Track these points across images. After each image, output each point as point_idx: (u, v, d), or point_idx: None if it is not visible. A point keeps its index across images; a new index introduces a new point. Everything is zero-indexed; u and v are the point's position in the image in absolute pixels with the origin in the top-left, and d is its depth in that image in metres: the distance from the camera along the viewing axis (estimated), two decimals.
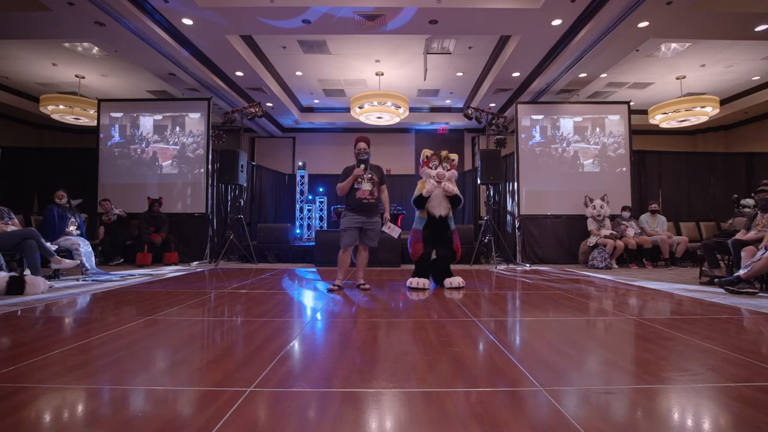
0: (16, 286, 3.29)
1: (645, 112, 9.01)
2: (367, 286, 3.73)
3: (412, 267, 4.06)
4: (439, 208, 3.89)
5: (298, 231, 8.96)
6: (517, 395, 1.33)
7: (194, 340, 2.02)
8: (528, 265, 6.57)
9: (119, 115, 7.39)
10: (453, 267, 4.29)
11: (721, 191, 7.72)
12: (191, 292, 3.49)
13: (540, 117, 7.35)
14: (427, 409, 1.21)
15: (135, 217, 6.55)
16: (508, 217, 7.65)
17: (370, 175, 3.67)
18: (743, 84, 8.47)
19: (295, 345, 1.91)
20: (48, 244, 4.21)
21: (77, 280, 4.35)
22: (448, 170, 3.95)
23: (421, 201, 3.91)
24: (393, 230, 3.79)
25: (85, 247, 4.82)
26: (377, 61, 7.58)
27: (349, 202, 3.71)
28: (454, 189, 3.88)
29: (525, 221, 7.03)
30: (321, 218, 9.37)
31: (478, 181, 7.12)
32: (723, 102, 8.93)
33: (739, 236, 4.02)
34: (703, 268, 4.46)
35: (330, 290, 3.61)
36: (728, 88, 8.64)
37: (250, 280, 4.38)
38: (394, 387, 1.39)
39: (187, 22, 5.73)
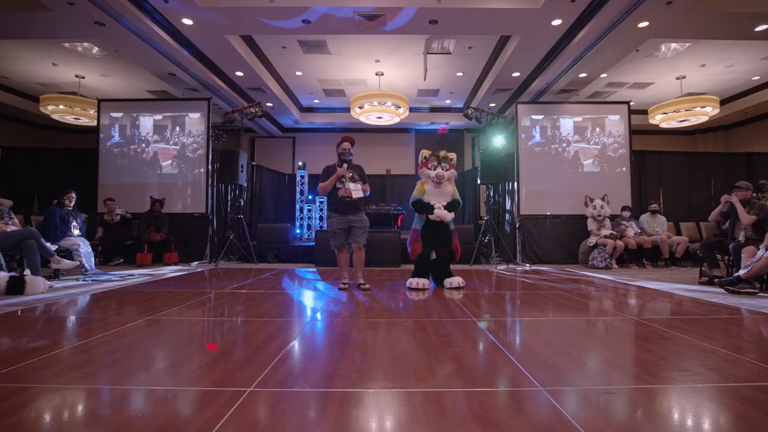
0: (16, 286, 3.29)
1: (645, 112, 9.00)
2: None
3: (412, 267, 4.05)
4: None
5: (298, 231, 8.95)
6: (517, 395, 1.33)
7: (194, 340, 2.02)
8: (528, 265, 6.57)
9: (119, 115, 7.38)
10: (453, 267, 4.29)
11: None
12: (191, 292, 3.49)
13: (540, 117, 7.34)
14: (427, 409, 1.21)
15: (136, 217, 6.55)
16: (508, 217, 7.65)
17: (351, 174, 3.71)
18: (743, 84, 8.47)
19: (295, 345, 1.91)
20: (48, 244, 4.21)
21: (77, 280, 4.35)
22: (447, 170, 3.94)
23: (420, 205, 3.90)
24: (356, 190, 3.65)
25: (85, 248, 4.82)
26: (377, 61, 7.57)
27: (332, 202, 3.75)
28: (448, 216, 3.83)
29: (525, 221, 7.03)
30: (321, 218, 9.37)
31: (478, 181, 7.12)
32: (723, 102, 8.92)
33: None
34: (703, 268, 4.46)
35: (341, 288, 3.72)
36: (728, 88, 8.64)
37: (250, 280, 4.38)
38: (394, 387, 1.39)
39: (187, 22, 5.73)
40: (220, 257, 6.37)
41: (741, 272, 3.52)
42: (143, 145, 7.28)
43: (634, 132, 7.60)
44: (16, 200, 4.70)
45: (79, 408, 1.23)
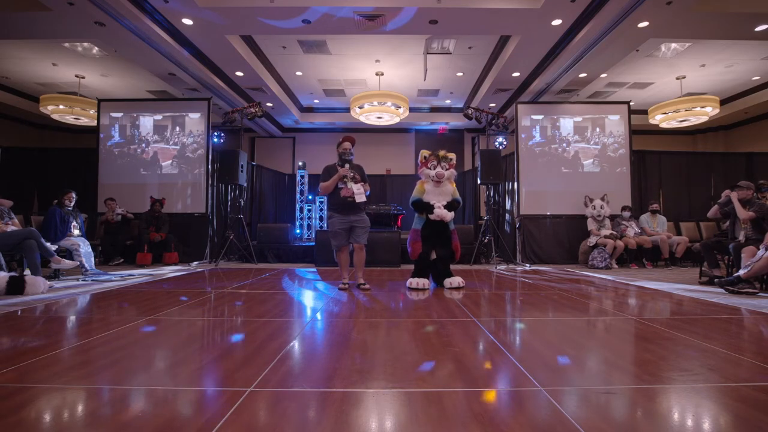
0: (16, 286, 3.29)
1: (645, 112, 9.00)
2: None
3: (412, 267, 4.05)
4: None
5: (298, 231, 8.95)
6: (517, 395, 1.33)
7: (194, 340, 2.02)
8: (528, 265, 6.57)
9: (119, 115, 7.38)
10: (453, 267, 4.29)
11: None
12: (191, 292, 3.49)
13: (540, 117, 7.34)
14: (427, 409, 1.21)
15: (136, 216, 6.56)
16: (508, 217, 7.64)
17: (352, 174, 3.70)
18: (743, 84, 8.47)
19: (295, 345, 1.91)
20: (48, 244, 4.21)
21: (77, 280, 4.35)
22: (446, 170, 3.94)
23: (420, 205, 3.90)
24: (359, 193, 3.65)
25: (85, 248, 4.82)
26: (377, 61, 7.57)
27: (334, 202, 3.73)
28: (448, 216, 3.83)
29: (525, 221, 7.03)
30: (321, 218, 9.36)
31: (478, 181, 7.12)
32: (723, 102, 8.92)
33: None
34: (703, 268, 4.46)
35: (341, 288, 3.72)
36: (728, 88, 8.64)
37: (250, 280, 4.38)
38: (394, 387, 1.39)
39: (187, 22, 5.73)
40: (220, 257, 6.36)
41: (741, 272, 3.52)
42: (143, 145, 7.28)
43: (634, 132, 7.60)
44: (16, 200, 4.70)
45: (79, 408, 1.23)
